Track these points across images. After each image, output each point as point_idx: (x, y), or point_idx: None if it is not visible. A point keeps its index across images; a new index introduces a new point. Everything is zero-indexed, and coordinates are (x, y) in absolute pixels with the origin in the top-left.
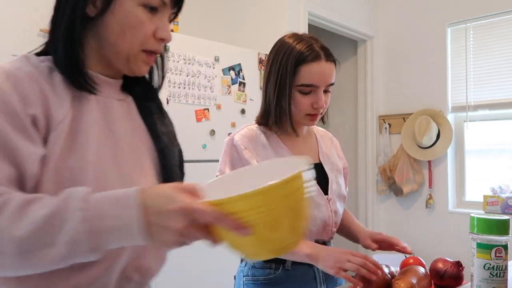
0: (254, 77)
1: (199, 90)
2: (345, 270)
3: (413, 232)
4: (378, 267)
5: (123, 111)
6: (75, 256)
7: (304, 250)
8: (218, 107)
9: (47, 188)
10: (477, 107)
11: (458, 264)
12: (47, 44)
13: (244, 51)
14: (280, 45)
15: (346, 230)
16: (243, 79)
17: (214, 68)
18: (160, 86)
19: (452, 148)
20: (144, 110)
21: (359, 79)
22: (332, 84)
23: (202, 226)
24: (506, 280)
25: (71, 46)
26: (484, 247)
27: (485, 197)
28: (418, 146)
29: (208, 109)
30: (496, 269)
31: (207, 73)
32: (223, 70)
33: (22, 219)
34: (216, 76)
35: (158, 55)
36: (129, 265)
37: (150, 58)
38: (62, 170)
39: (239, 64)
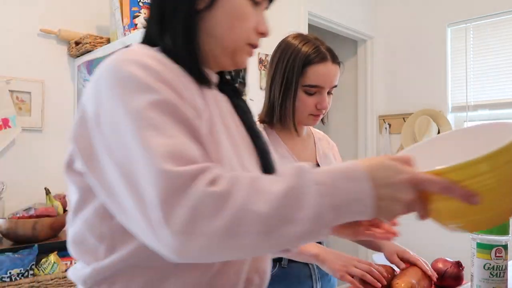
0: (254, 77)
1: None
2: (351, 275)
3: (413, 232)
4: (383, 275)
5: (229, 108)
6: (314, 234)
7: (312, 250)
8: None
9: None
10: (477, 107)
11: (458, 264)
12: (150, 36)
13: None
14: (286, 45)
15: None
16: (243, 79)
17: None
18: (244, 84)
19: None
20: (239, 108)
21: (359, 79)
22: (335, 86)
23: (424, 197)
24: (506, 280)
25: (191, 41)
26: (484, 247)
27: None
28: None
29: None
30: (496, 269)
31: None
32: None
33: (260, 195)
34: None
35: None
36: (251, 267)
37: (252, 51)
38: None
39: None
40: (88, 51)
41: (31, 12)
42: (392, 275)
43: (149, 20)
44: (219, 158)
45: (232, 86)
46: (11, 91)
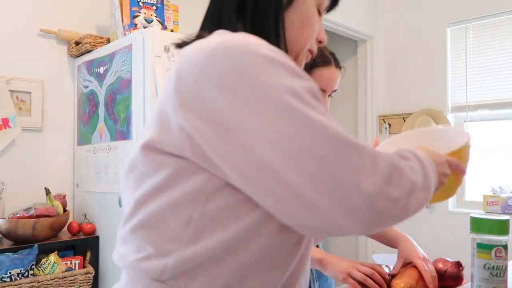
0: None
1: None
2: (353, 278)
3: (413, 232)
4: (385, 278)
5: None
6: (426, 200)
7: (315, 254)
8: None
9: None
10: (477, 107)
11: (458, 264)
12: (230, 26)
13: None
14: None
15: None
16: None
17: None
18: None
19: None
20: None
21: (359, 79)
22: (335, 91)
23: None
24: (506, 280)
25: (280, 36)
26: (484, 247)
27: (485, 197)
28: None
29: None
30: (496, 269)
31: None
32: None
33: (412, 170)
34: None
35: None
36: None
37: (309, 56)
38: None
39: None
40: (88, 51)
41: (31, 12)
42: (393, 275)
43: (223, 13)
44: None
45: None
46: (11, 91)
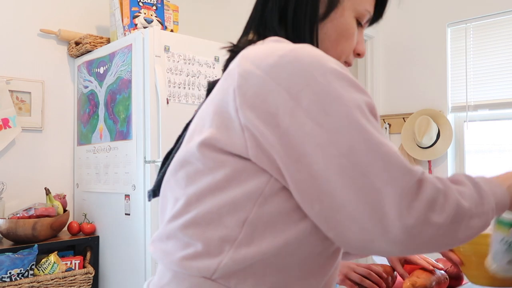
0: None
1: (199, 90)
2: (350, 280)
3: None
4: (382, 277)
5: None
6: (487, 225)
7: None
8: None
9: None
10: (477, 107)
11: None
12: (274, 31)
13: None
14: None
15: None
16: None
17: (214, 68)
18: None
19: (452, 148)
20: None
21: (359, 79)
22: None
23: None
24: None
25: (314, 45)
26: (504, 224)
27: None
28: (418, 146)
29: None
30: None
31: (207, 73)
32: (223, 70)
33: (462, 195)
34: (216, 76)
35: None
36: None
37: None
38: None
39: None
40: (88, 51)
41: (31, 12)
42: (392, 275)
43: (268, 19)
44: None
45: None
46: (11, 91)
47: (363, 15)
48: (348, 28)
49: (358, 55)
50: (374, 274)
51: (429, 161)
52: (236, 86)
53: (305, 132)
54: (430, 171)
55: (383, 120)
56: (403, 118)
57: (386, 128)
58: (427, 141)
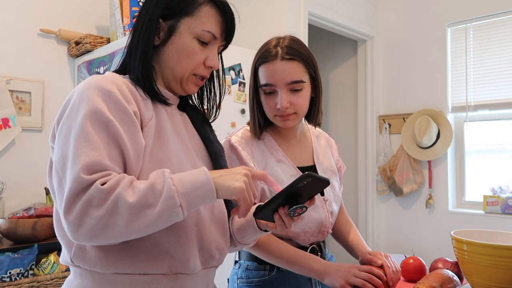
0: None
1: None
2: (352, 285)
3: (413, 232)
4: (383, 279)
5: (183, 121)
6: (167, 213)
7: (312, 265)
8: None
9: (143, 171)
10: (477, 107)
11: (458, 264)
12: (124, 65)
13: (244, 51)
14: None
15: (344, 244)
16: (243, 79)
17: None
18: (218, 105)
19: (452, 148)
20: (197, 122)
21: (359, 79)
22: (296, 82)
23: None
24: None
25: (146, 68)
26: None
27: (485, 197)
28: (418, 146)
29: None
30: None
31: None
32: (223, 70)
33: (133, 190)
34: None
35: (215, 79)
36: (212, 245)
37: (199, 81)
38: (153, 158)
39: (239, 64)
40: (88, 51)
41: (31, 12)
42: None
43: (125, 53)
44: (168, 155)
45: (192, 106)
46: (11, 91)
47: (203, 35)
48: (186, 48)
49: (210, 67)
50: (375, 278)
51: (429, 161)
52: None
53: (58, 141)
54: (430, 171)
55: (383, 120)
56: (403, 118)
57: (386, 128)
58: (427, 141)
